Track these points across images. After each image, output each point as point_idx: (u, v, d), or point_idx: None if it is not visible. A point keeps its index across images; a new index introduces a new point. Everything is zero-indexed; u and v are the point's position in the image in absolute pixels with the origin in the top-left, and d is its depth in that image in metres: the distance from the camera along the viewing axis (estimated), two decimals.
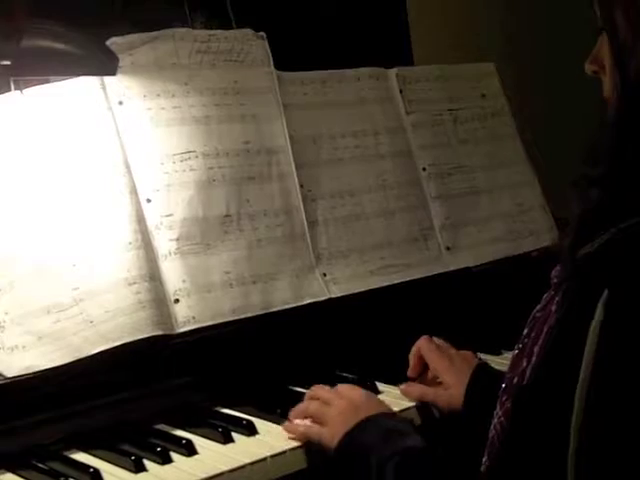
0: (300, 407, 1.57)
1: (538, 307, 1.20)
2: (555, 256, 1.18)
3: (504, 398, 1.20)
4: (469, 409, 1.56)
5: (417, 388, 1.68)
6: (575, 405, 1.05)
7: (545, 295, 1.19)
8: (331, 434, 1.46)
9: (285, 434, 1.54)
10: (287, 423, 1.56)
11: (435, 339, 1.74)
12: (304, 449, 1.51)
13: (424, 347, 1.72)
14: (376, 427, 1.43)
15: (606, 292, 1.05)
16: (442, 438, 1.60)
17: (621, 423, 1.04)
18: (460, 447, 1.48)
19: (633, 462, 1.03)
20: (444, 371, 1.66)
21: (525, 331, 1.21)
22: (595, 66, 1.21)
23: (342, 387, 1.58)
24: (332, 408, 1.51)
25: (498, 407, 1.22)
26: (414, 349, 1.74)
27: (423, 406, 1.65)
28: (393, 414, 1.52)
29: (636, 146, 1.10)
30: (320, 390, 1.59)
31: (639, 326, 1.04)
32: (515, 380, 1.18)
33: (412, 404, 1.65)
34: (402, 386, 1.70)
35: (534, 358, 1.15)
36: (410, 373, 1.74)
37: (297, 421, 1.54)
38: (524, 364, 1.17)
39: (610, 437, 1.04)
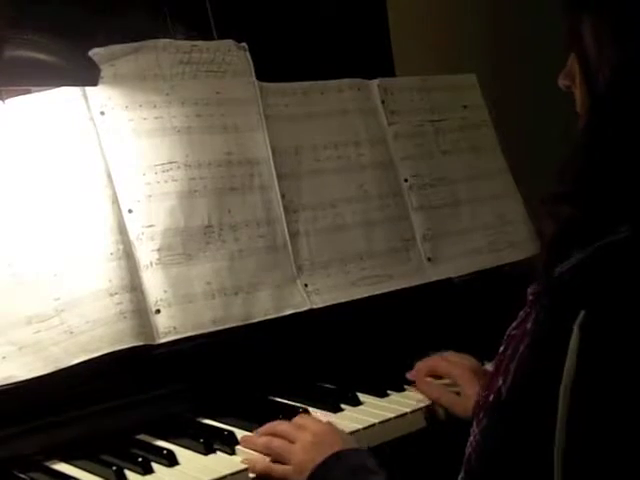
0: (260, 441, 1.53)
1: (514, 324, 1.18)
2: (533, 270, 1.18)
3: (480, 415, 1.20)
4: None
5: (436, 388, 1.69)
6: (557, 426, 1.06)
7: (521, 312, 1.17)
8: (297, 473, 1.44)
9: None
10: (244, 453, 1.52)
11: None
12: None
13: (443, 362, 1.74)
14: (342, 465, 1.42)
15: (582, 313, 1.05)
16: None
17: (603, 445, 1.05)
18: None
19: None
20: (466, 382, 1.68)
21: (501, 348, 1.20)
22: (567, 81, 1.22)
23: (301, 420, 1.57)
24: (296, 446, 1.48)
25: (475, 424, 1.21)
26: (422, 365, 1.76)
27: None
28: (356, 449, 1.48)
29: (605, 161, 1.10)
30: (280, 426, 1.55)
31: (616, 348, 1.04)
32: (491, 397, 1.17)
33: (392, 415, 1.66)
34: (415, 386, 1.72)
35: (510, 377, 1.14)
36: (411, 376, 1.77)
37: (255, 455, 1.51)
38: (500, 382, 1.16)
39: (593, 457, 1.05)
